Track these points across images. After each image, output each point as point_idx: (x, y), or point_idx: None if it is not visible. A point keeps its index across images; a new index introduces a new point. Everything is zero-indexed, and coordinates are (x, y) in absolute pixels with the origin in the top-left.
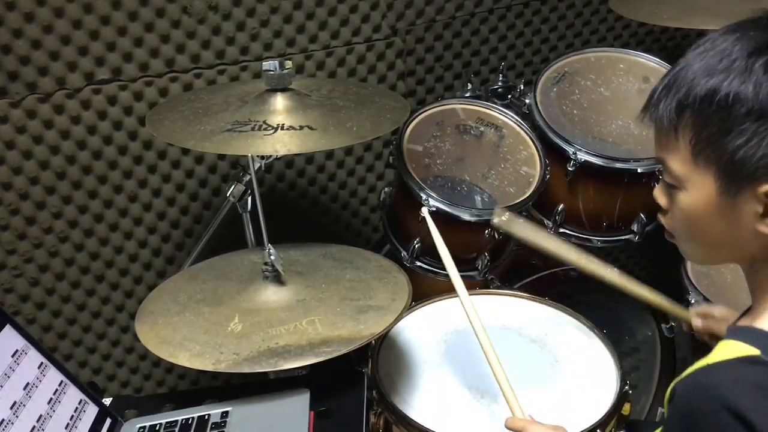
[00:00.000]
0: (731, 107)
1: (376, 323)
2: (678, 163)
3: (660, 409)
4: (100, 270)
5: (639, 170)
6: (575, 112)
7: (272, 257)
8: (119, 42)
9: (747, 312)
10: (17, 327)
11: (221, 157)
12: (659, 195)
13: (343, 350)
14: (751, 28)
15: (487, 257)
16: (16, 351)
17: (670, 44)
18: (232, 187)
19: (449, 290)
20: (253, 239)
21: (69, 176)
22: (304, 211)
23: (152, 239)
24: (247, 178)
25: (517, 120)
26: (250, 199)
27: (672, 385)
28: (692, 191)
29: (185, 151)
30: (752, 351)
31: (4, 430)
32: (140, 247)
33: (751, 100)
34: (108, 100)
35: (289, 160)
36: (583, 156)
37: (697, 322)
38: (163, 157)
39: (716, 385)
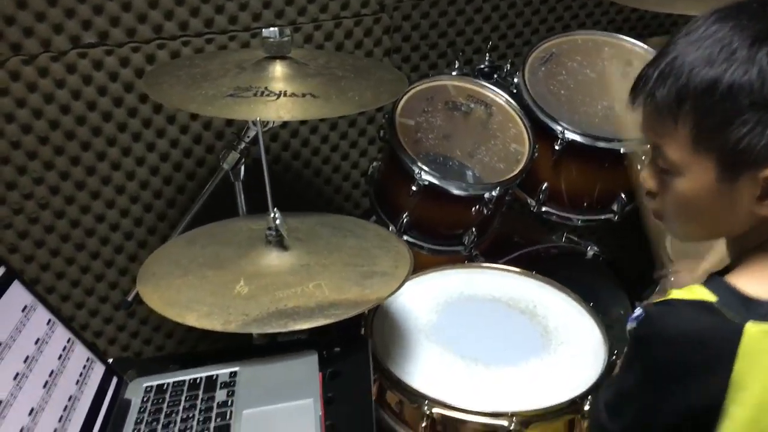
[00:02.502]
0: (734, 97)
1: (382, 288)
2: (675, 150)
3: None
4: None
5: (622, 150)
6: (562, 92)
7: (278, 221)
8: (107, 6)
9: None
10: (25, 283)
11: (206, 126)
12: (648, 179)
13: (352, 312)
14: (745, 17)
15: (474, 233)
16: (26, 307)
17: (659, 31)
18: (228, 155)
19: (436, 264)
20: (244, 208)
21: (52, 141)
22: (286, 184)
23: (134, 209)
24: (242, 146)
25: (506, 98)
26: (243, 167)
27: (642, 303)
28: (689, 177)
29: (170, 120)
30: (709, 297)
31: (19, 383)
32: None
33: (756, 91)
34: (94, 65)
35: (273, 134)
36: (570, 135)
37: None
38: (148, 126)
39: (660, 321)
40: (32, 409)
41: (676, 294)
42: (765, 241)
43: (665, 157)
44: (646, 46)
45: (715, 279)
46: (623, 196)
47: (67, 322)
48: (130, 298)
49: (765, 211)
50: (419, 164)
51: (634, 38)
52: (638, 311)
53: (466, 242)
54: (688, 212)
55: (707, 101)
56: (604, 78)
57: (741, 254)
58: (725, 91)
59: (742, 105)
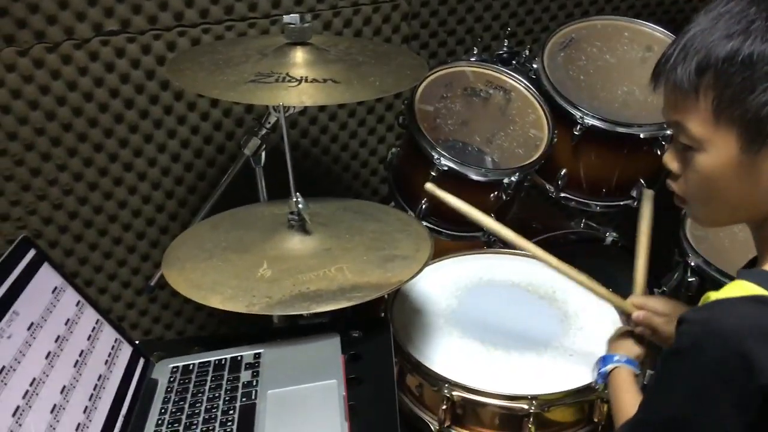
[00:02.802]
0: (754, 66)
1: (403, 271)
2: (698, 125)
3: (648, 372)
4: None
5: (641, 135)
6: (582, 77)
7: (300, 205)
8: None
9: (752, 263)
10: (54, 265)
11: (226, 113)
12: (671, 160)
13: (374, 295)
14: None
15: (493, 218)
16: (56, 288)
17: (679, 17)
18: (249, 141)
19: (455, 250)
20: (265, 193)
21: (75, 128)
22: (305, 170)
23: (156, 195)
24: (263, 132)
25: (525, 84)
26: (264, 153)
27: (681, 314)
28: (712, 152)
29: (191, 107)
30: (760, 291)
31: (51, 362)
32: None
33: None
34: (116, 53)
35: (293, 120)
36: (590, 121)
37: (637, 314)
38: (169, 113)
39: (720, 320)
40: (64, 387)
41: (718, 295)
42: None
43: (687, 132)
44: (666, 31)
45: (754, 273)
46: (642, 182)
47: (96, 304)
48: (152, 283)
49: None
50: (438, 150)
51: (653, 24)
52: (602, 363)
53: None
54: (711, 190)
55: (728, 71)
56: (624, 63)
57: None
58: (746, 60)
59: (762, 72)
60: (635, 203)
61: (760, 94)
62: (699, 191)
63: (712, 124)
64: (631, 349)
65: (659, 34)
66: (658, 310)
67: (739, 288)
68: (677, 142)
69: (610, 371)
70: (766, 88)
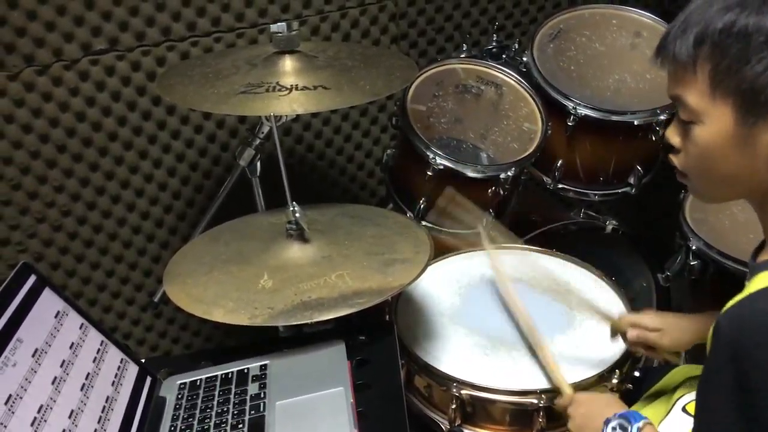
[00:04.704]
0: (750, 37)
1: (404, 274)
2: (695, 97)
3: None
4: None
5: (635, 122)
6: (572, 67)
7: (297, 214)
8: (115, 12)
9: (762, 248)
10: (56, 289)
11: (220, 125)
12: (672, 135)
13: (376, 301)
14: None
15: (492, 214)
16: (58, 312)
17: (666, 0)
18: (244, 152)
19: (456, 247)
20: (262, 203)
21: (70, 149)
22: (302, 177)
23: (155, 210)
24: (257, 142)
25: (516, 78)
26: (259, 163)
27: (714, 323)
28: (709, 124)
29: (184, 121)
30: None
31: (58, 387)
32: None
33: None
34: (106, 71)
35: (286, 128)
36: (582, 110)
37: (631, 333)
38: (163, 128)
39: (755, 311)
40: (72, 412)
41: (750, 289)
42: None
43: (686, 105)
44: (654, 16)
45: None
46: (639, 168)
47: (100, 326)
48: (156, 299)
49: None
50: (433, 149)
51: (641, 9)
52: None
53: (484, 224)
54: (709, 163)
55: (724, 43)
56: (614, 51)
57: None
58: (741, 31)
59: (757, 44)
60: (633, 190)
61: (755, 64)
62: (697, 165)
63: (709, 96)
64: (620, 403)
65: (647, 20)
66: (650, 326)
67: (764, 280)
68: (678, 117)
69: None
70: (760, 59)
